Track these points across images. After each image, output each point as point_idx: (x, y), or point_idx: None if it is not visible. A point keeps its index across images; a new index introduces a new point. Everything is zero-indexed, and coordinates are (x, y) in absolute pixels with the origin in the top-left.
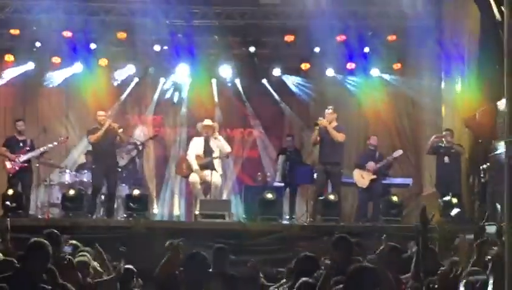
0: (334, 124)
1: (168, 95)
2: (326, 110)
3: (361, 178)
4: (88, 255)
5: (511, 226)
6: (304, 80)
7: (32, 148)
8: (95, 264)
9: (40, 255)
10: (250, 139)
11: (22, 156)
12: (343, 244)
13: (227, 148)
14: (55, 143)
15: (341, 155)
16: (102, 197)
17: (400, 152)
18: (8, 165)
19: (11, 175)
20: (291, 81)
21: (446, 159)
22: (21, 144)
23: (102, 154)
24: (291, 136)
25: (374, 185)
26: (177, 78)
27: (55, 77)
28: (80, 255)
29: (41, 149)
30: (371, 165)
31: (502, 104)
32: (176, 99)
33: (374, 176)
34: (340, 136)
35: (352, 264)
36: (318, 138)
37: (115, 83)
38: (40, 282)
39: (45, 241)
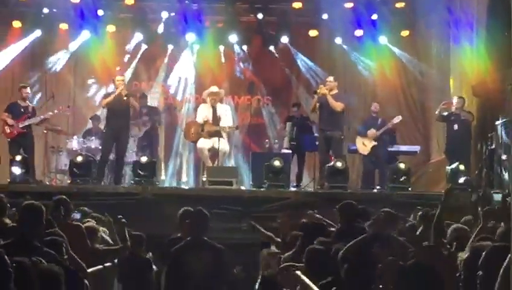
0: (335, 91)
1: (177, 66)
2: (327, 78)
3: (363, 145)
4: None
5: None
6: (314, 67)
7: (33, 115)
8: (105, 230)
9: (31, 217)
10: (257, 107)
11: (21, 122)
12: (348, 210)
13: (229, 123)
14: (56, 111)
15: (340, 122)
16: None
17: (399, 118)
18: (7, 130)
19: (9, 140)
20: (301, 61)
21: (455, 126)
22: (22, 110)
23: (114, 118)
24: (297, 104)
25: (377, 151)
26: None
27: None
28: (89, 221)
29: (42, 116)
30: (371, 132)
31: None
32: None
33: (375, 143)
34: (338, 105)
35: (356, 229)
36: (317, 106)
37: (126, 54)
38: (37, 242)
39: (37, 203)
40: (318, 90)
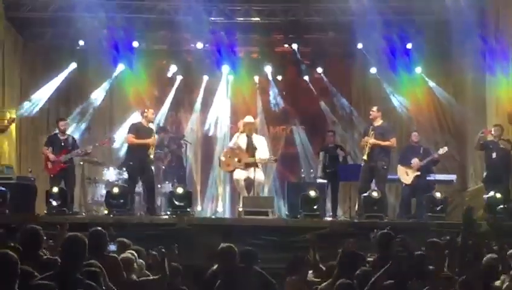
0: (380, 122)
1: (212, 96)
2: (372, 109)
3: (406, 175)
4: (135, 254)
5: None
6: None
7: (74, 147)
8: (142, 262)
9: (75, 249)
10: (291, 136)
11: (63, 155)
12: (386, 241)
13: (264, 155)
14: (97, 144)
15: (385, 153)
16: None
17: (445, 149)
18: (49, 165)
19: (52, 176)
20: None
21: (494, 154)
22: (63, 143)
23: (137, 150)
24: (332, 132)
25: (418, 181)
26: (221, 78)
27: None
28: (125, 253)
29: (84, 150)
30: (415, 161)
31: None
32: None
33: (418, 173)
34: (390, 144)
35: (394, 260)
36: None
37: (163, 85)
38: (79, 275)
39: (79, 235)
40: (366, 141)
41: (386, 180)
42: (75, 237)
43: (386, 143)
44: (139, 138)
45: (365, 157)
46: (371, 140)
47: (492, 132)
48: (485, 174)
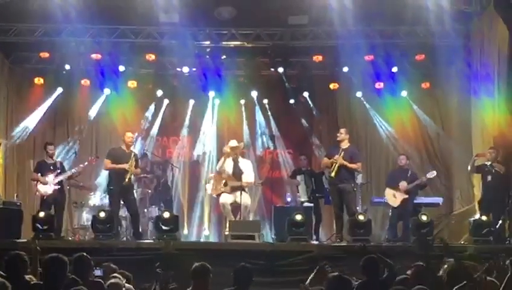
0: (347, 145)
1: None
2: (340, 130)
3: (393, 197)
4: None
5: None
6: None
7: (62, 171)
8: (129, 286)
9: (56, 270)
10: (278, 160)
11: (54, 178)
12: (371, 265)
13: (249, 179)
14: (86, 163)
15: (351, 175)
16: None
17: (433, 173)
18: (42, 188)
19: (45, 198)
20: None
21: (489, 177)
22: (51, 167)
23: (118, 176)
24: (305, 155)
25: (406, 204)
26: (208, 101)
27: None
28: (112, 278)
29: (72, 171)
30: (403, 185)
31: None
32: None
33: (406, 196)
34: (357, 167)
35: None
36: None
37: (149, 110)
38: None
39: (59, 255)
40: (335, 160)
41: (356, 202)
42: (55, 257)
43: (354, 166)
44: (116, 162)
45: (333, 174)
46: (341, 160)
47: (487, 155)
48: (480, 197)
